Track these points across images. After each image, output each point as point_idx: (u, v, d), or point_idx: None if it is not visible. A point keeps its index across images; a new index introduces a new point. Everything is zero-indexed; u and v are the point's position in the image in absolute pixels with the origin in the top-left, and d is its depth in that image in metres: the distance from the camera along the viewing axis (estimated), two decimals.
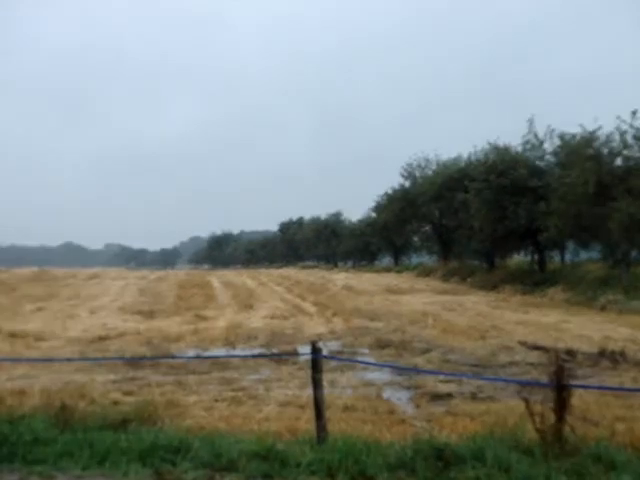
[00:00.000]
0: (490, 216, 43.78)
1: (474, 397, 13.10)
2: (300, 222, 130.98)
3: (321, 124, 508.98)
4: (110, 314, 30.70)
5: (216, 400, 12.92)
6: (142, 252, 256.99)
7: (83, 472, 8.17)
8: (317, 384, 8.95)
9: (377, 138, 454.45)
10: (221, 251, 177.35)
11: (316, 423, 8.87)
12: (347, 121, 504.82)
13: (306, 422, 10.05)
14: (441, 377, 14.47)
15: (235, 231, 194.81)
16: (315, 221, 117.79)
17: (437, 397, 13.19)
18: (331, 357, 15.08)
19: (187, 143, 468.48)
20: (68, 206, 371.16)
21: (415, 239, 79.34)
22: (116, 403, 12.19)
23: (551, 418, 8.20)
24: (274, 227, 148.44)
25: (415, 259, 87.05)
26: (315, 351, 9.03)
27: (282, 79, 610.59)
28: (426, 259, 79.67)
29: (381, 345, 20.01)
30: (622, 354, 16.94)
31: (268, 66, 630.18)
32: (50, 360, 16.56)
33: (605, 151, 35.88)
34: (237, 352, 19.62)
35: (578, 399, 9.84)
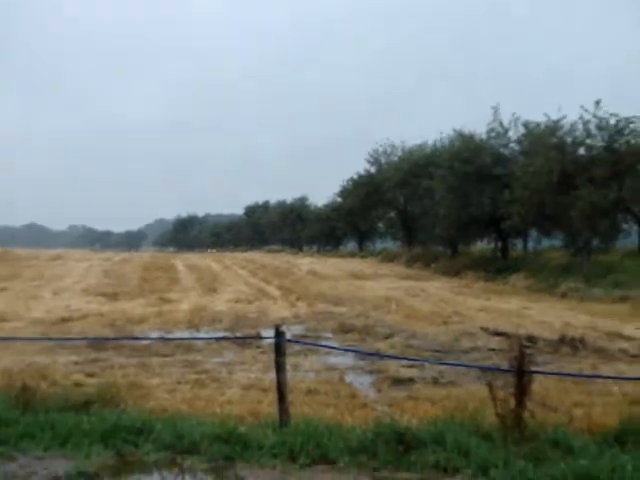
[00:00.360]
0: (454, 203, 44.01)
1: (436, 382, 13.22)
2: (266, 206, 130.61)
3: (290, 108, 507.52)
4: (73, 296, 30.52)
5: (179, 382, 12.94)
6: (107, 234, 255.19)
7: (44, 453, 8.16)
8: (280, 368, 8.98)
9: (347, 123, 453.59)
10: (186, 234, 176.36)
11: (279, 406, 8.90)
12: (317, 106, 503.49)
13: (269, 405, 10.09)
14: (403, 362, 14.58)
15: (201, 214, 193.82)
16: (281, 205, 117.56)
17: (399, 382, 13.29)
18: (294, 341, 15.08)
19: (154, 124, 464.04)
20: (31, 186, 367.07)
21: (380, 225, 79.42)
22: (78, 385, 12.16)
23: (511, 403, 8.30)
24: (240, 210, 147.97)
25: (380, 245, 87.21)
26: (278, 335, 9.06)
27: (252, 60, 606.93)
28: (390, 245, 79.85)
29: (344, 330, 20.10)
30: (582, 341, 17.16)
31: (238, 47, 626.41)
32: (12, 339, 16.44)
33: (569, 140, 36.27)
34: (201, 335, 19.64)
35: (538, 385, 9.93)
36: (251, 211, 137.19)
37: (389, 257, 64.86)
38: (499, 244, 48.51)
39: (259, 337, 17.81)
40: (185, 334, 19.70)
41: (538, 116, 39.23)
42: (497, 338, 18.04)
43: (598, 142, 35.34)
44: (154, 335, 19.35)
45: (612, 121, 34.76)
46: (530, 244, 50.22)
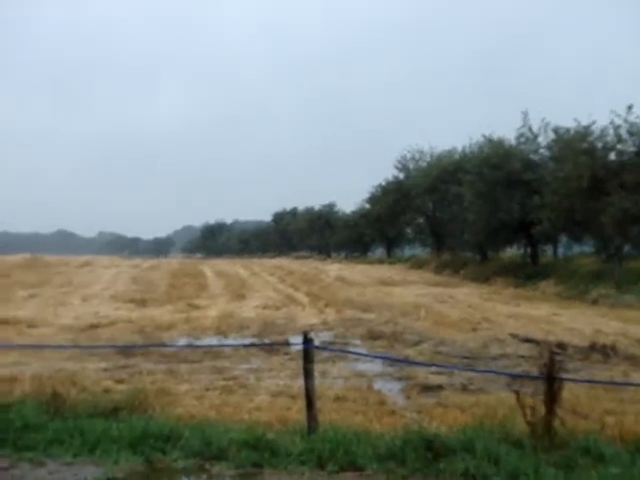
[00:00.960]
0: (483, 209, 43.83)
1: (464, 389, 13.15)
2: (294, 212, 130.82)
3: (319, 114, 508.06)
4: (102, 302, 30.69)
5: (207, 389, 12.95)
6: (135, 240, 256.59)
7: (74, 459, 8.18)
8: (308, 374, 8.95)
9: (375, 130, 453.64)
10: (214, 240, 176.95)
11: (307, 413, 8.88)
12: (345, 113, 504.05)
13: (297, 412, 10.08)
14: (432, 369, 14.51)
15: (228, 220, 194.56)
16: (309, 211, 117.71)
17: (428, 389, 13.23)
18: (323, 348, 15.05)
19: (183, 131, 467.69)
20: (62, 193, 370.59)
21: (408, 231, 79.27)
22: (107, 391, 12.19)
23: (541, 411, 8.24)
24: (268, 217, 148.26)
25: (408, 251, 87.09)
26: (307, 341, 9.04)
27: (280, 68, 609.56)
28: (419, 251, 79.74)
29: (373, 336, 20.05)
30: (613, 348, 17.00)
31: (264, 54, 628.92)
32: (42, 347, 16.56)
33: (599, 145, 35.98)
34: (229, 341, 19.67)
35: (568, 392, 9.86)
36: (279, 217, 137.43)
37: (418, 263, 64.71)
38: (529, 250, 48.19)
39: (287, 344, 17.80)
40: (213, 341, 19.74)
41: (568, 122, 39.00)
42: (526, 345, 17.91)
43: (629, 147, 34.98)
44: (182, 342, 19.41)
45: None
46: (560, 250, 49.97)
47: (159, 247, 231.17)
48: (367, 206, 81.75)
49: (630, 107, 34.28)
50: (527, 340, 18.59)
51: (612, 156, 35.79)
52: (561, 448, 8.01)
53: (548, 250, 50.33)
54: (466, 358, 16.43)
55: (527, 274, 42.10)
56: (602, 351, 16.77)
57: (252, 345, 18.40)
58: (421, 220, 69.60)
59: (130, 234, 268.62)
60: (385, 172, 73.48)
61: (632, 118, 34.42)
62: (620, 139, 35.05)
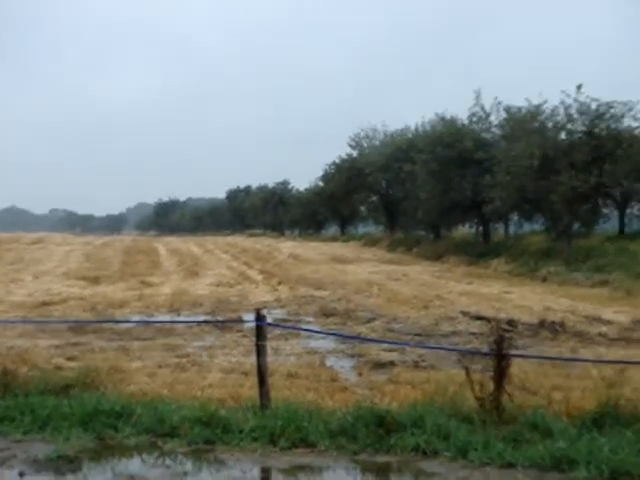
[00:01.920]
0: (436, 187, 44.04)
1: (416, 365, 13.28)
2: (247, 190, 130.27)
3: (274, 92, 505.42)
4: (54, 279, 30.44)
5: (160, 366, 12.94)
6: (88, 218, 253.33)
7: (24, 436, 8.19)
8: (261, 351, 9.01)
9: (331, 108, 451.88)
10: (168, 218, 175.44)
11: (259, 390, 8.95)
12: (301, 91, 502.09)
13: (249, 389, 10.11)
14: (384, 346, 14.62)
15: (182, 198, 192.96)
16: (263, 189, 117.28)
17: (380, 365, 13.34)
18: (275, 325, 15.12)
19: (137, 108, 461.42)
20: (12, 169, 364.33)
21: (362, 209, 79.37)
22: (59, 368, 12.12)
23: (490, 387, 8.39)
24: (221, 195, 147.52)
25: (362, 229, 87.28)
26: (259, 318, 9.09)
27: (236, 43, 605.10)
28: (372, 229, 79.93)
29: (326, 313, 20.15)
30: (561, 325, 17.28)
31: (219, 32, 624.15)
32: None
33: (550, 125, 36.37)
34: (182, 319, 19.64)
35: (517, 368, 10.04)
36: (233, 195, 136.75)
37: (371, 241, 64.89)
38: (481, 228, 48.63)
39: (240, 321, 17.84)
40: (166, 318, 19.70)
41: (521, 101, 39.26)
42: (478, 322, 18.07)
43: (579, 127, 35.43)
44: (135, 319, 19.33)
45: (593, 106, 34.83)
46: (512, 228, 50.45)
47: (112, 224, 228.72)
48: (321, 184, 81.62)
49: (579, 87, 34.72)
50: (478, 317, 18.78)
51: (562, 135, 36.23)
52: (509, 423, 8.17)
53: (500, 228, 50.86)
54: (418, 335, 16.58)
55: (479, 252, 42.44)
56: (551, 328, 17.03)
57: (205, 322, 18.39)
58: (374, 198, 69.67)
59: (82, 211, 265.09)
60: (339, 150, 73.85)
61: (582, 98, 34.88)
62: (570, 119, 35.49)
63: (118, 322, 18.10)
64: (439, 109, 50.38)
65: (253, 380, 9.77)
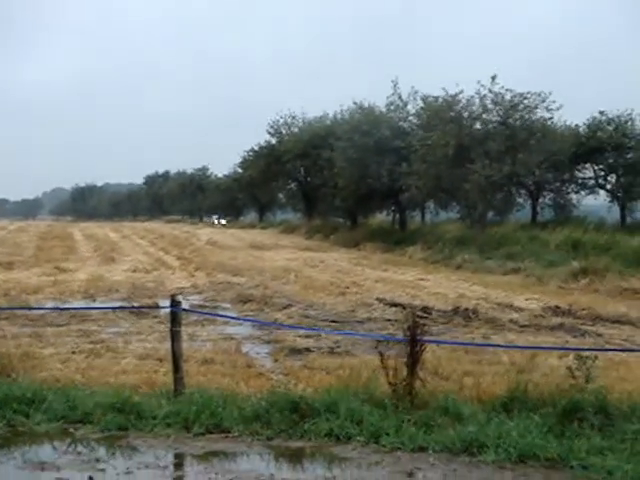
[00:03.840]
0: (354, 175, 44.24)
1: (331, 352, 13.36)
2: (166, 176, 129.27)
3: (196, 78, 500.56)
4: None
5: (73, 352, 12.77)
6: (2, 202, 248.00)
7: None
8: (175, 337, 9.00)
9: (252, 94, 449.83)
10: (85, 203, 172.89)
11: (173, 376, 8.94)
12: (222, 77, 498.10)
13: (164, 375, 10.10)
14: (300, 332, 14.68)
15: (99, 183, 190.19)
16: (181, 175, 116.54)
17: (295, 351, 13.39)
18: (191, 310, 15.09)
19: (56, 90, 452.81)
20: None
21: (280, 196, 79.41)
22: None
23: (404, 372, 8.50)
24: (140, 180, 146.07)
25: (280, 216, 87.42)
26: (174, 304, 9.07)
27: (159, 28, 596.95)
28: (291, 216, 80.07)
29: (243, 300, 20.12)
30: (474, 311, 17.58)
31: (144, 14, 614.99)
32: None
33: (465, 114, 36.80)
34: (97, 305, 19.39)
35: (431, 354, 10.23)
36: (151, 181, 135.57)
37: (289, 228, 65.00)
38: (397, 216, 49.04)
39: (155, 307, 17.70)
40: (81, 304, 19.41)
41: (438, 91, 39.60)
42: (393, 309, 18.26)
43: (494, 117, 36.04)
44: (49, 305, 19.01)
45: (507, 96, 35.40)
46: (428, 216, 51.01)
47: (27, 209, 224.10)
48: (239, 170, 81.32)
49: (494, 77, 35.27)
50: (393, 304, 18.98)
51: (477, 125, 36.76)
52: (422, 408, 8.31)
53: (416, 216, 51.36)
54: (334, 322, 16.69)
55: (395, 239, 42.74)
56: (464, 315, 17.30)
57: (120, 308, 18.18)
58: (293, 185, 69.66)
59: None
60: (259, 137, 73.45)
61: (496, 88, 35.44)
62: (485, 109, 36.06)
63: (31, 308, 17.78)
64: (358, 97, 50.37)
65: (168, 366, 9.75)
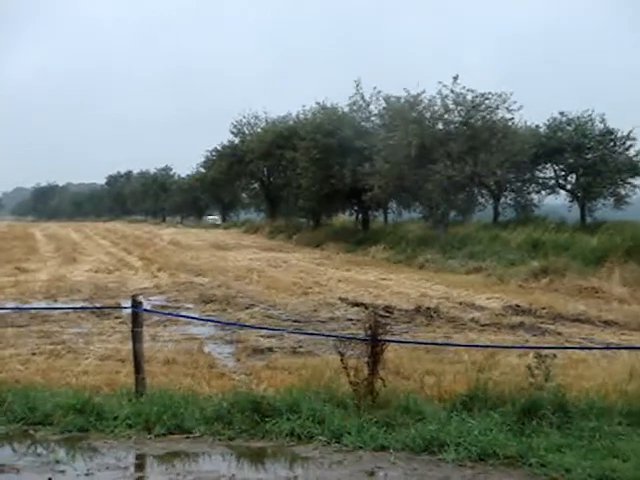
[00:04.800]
0: (317, 175, 44.29)
1: (294, 352, 13.39)
2: (128, 176, 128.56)
3: (160, 79, 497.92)
4: None
5: (34, 353, 12.69)
6: None
7: None
8: (137, 338, 8.97)
9: (214, 94, 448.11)
10: (46, 203, 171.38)
11: (135, 377, 8.91)
12: (185, 78, 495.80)
13: (126, 376, 10.05)
14: (263, 332, 14.67)
15: (61, 183, 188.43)
16: (143, 175, 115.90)
17: (258, 351, 13.40)
18: (153, 311, 15.06)
19: (16, 89, 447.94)
20: None
21: (244, 196, 79.23)
22: None
23: (365, 372, 8.54)
24: (102, 180, 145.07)
25: (243, 216, 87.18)
26: (135, 305, 9.03)
27: (120, 28, 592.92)
28: (254, 216, 79.92)
29: (205, 300, 20.11)
30: (436, 311, 17.71)
31: (108, 14, 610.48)
32: None
33: (427, 115, 36.96)
34: (58, 305, 19.25)
35: (393, 354, 10.30)
36: (113, 181, 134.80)
37: (252, 228, 64.92)
38: (360, 216, 49.13)
39: (117, 307, 17.64)
40: (42, 304, 19.27)
41: (400, 91, 39.67)
42: (355, 308, 18.36)
43: (455, 117, 36.26)
44: (10, 305, 18.83)
45: (469, 97, 35.63)
46: (390, 216, 51.12)
47: None
48: (203, 170, 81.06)
49: (456, 78, 35.49)
50: (356, 304, 19.07)
51: (439, 125, 36.96)
52: (383, 407, 8.35)
53: (379, 216, 51.45)
54: (296, 322, 16.74)
55: (358, 239, 42.84)
56: (426, 314, 17.44)
57: (82, 308, 18.11)
58: (256, 185, 69.59)
59: None
60: (223, 137, 73.02)
61: (458, 89, 35.63)
62: (447, 109, 36.26)
63: None
64: (322, 98, 50.36)
65: (130, 367, 9.70)
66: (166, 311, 17.31)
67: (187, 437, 7.80)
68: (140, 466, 7.33)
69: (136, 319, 9.02)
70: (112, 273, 27.37)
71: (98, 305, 18.93)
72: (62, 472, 6.93)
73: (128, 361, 10.46)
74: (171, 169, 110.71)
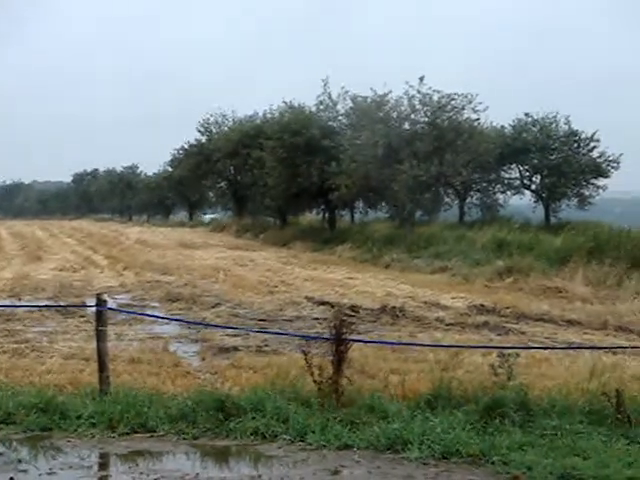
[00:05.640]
0: (283, 174, 44.23)
1: (259, 350, 13.39)
2: (95, 174, 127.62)
3: (126, 76, 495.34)
4: None
5: None
6: None
7: None
8: (101, 336, 8.95)
9: (182, 93, 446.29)
10: (11, 201, 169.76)
11: (99, 375, 8.89)
12: (152, 76, 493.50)
13: (90, 375, 10.03)
14: (228, 331, 14.67)
15: (27, 181, 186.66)
16: (110, 173, 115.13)
17: (223, 350, 13.40)
18: (118, 310, 14.98)
19: None
20: None
21: (211, 194, 78.98)
22: None
23: (330, 371, 8.58)
24: (68, 178, 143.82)
25: (210, 214, 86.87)
26: (100, 303, 9.01)
27: (91, 27, 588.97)
28: (221, 215, 79.69)
29: (171, 299, 20.07)
30: (402, 310, 17.75)
31: (72, 10, 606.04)
32: None
33: (394, 115, 37.08)
34: (22, 303, 19.14)
35: (358, 353, 10.37)
36: (79, 179, 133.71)
37: (219, 227, 64.78)
38: (327, 215, 49.18)
39: (81, 305, 17.55)
40: (6, 302, 19.13)
41: (368, 91, 39.70)
42: (321, 307, 18.40)
43: (422, 117, 36.40)
44: None
45: (435, 97, 35.78)
46: (357, 215, 51.21)
47: None
48: (169, 169, 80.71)
49: (422, 78, 35.60)
50: (322, 303, 19.10)
51: (406, 125, 37.08)
52: (347, 406, 8.40)
53: (345, 215, 51.52)
54: (262, 320, 16.75)
55: (325, 239, 42.81)
56: (392, 313, 17.47)
57: (46, 306, 17.99)
58: (223, 184, 69.36)
59: None
60: (190, 136, 72.60)
61: (424, 89, 35.76)
62: (413, 109, 36.41)
63: None
64: (289, 97, 50.31)
65: (94, 366, 9.67)
66: (131, 310, 17.23)
67: (151, 436, 7.80)
68: (104, 465, 7.32)
69: (100, 318, 9.00)
70: (77, 272, 27.21)
71: (63, 304, 18.82)
72: (24, 471, 6.90)
73: (92, 360, 10.41)
74: (138, 167, 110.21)
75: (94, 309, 9.42)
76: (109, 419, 7.98)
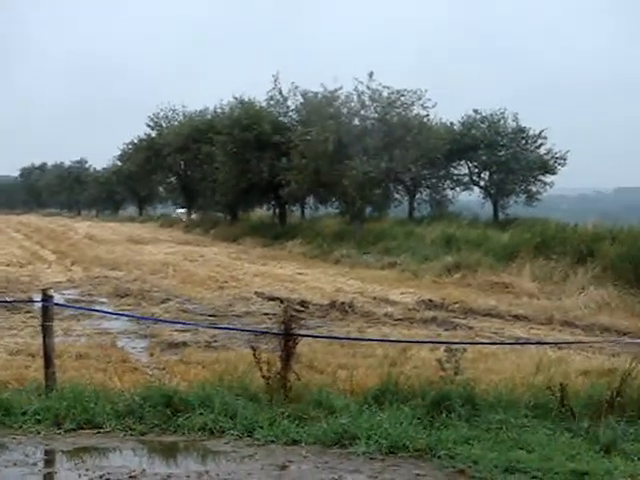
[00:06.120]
0: (234, 169, 44.14)
1: (208, 346, 13.36)
2: (43, 168, 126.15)
3: (75, 69, 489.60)
4: None
5: None
6: None
7: None
8: (47, 332, 8.87)
9: (134, 87, 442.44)
10: None
11: (45, 371, 8.82)
12: (104, 71, 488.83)
13: (35, 371, 9.92)
14: (177, 326, 14.61)
15: None
16: (58, 167, 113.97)
17: (172, 346, 13.36)
18: (64, 305, 14.83)
19: None
20: None
21: (160, 189, 78.54)
22: None
23: (278, 366, 8.60)
24: (15, 172, 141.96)
25: (160, 209, 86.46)
26: (46, 299, 8.93)
27: (40, 12, 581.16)
28: (171, 210, 79.31)
29: (120, 294, 19.95)
30: (351, 305, 17.82)
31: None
32: None
33: (344, 111, 37.14)
34: None
35: (307, 348, 10.43)
36: (27, 173, 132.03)
37: (169, 222, 64.56)
38: (277, 211, 49.18)
39: (28, 301, 17.32)
40: None
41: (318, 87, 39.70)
42: (271, 303, 18.41)
43: (371, 113, 36.47)
44: None
45: (385, 93, 35.86)
46: (308, 211, 51.29)
47: None
48: (119, 163, 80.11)
49: (371, 74, 35.69)
50: (272, 298, 19.12)
51: (356, 121, 37.15)
52: (296, 401, 8.44)
53: (296, 211, 51.58)
54: (212, 316, 16.73)
55: (275, 234, 42.80)
56: (341, 308, 17.53)
57: None
58: (173, 179, 68.98)
59: None
60: (140, 130, 71.84)
61: (374, 85, 35.85)
62: (363, 105, 36.47)
63: None
64: (240, 92, 50.06)
65: (40, 362, 9.58)
66: (79, 305, 17.09)
67: (98, 432, 7.76)
68: (49, 461, 7.28)
69: (47, 313, 8.92)
70: (24, 267, 26.90)
71: (9, 299, 18.59)
72: None
73: (38, 356, 10.31)
74: (86, 162, 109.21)
75: (40, 304, 9.34)
76: (55, 415, 7.92)
